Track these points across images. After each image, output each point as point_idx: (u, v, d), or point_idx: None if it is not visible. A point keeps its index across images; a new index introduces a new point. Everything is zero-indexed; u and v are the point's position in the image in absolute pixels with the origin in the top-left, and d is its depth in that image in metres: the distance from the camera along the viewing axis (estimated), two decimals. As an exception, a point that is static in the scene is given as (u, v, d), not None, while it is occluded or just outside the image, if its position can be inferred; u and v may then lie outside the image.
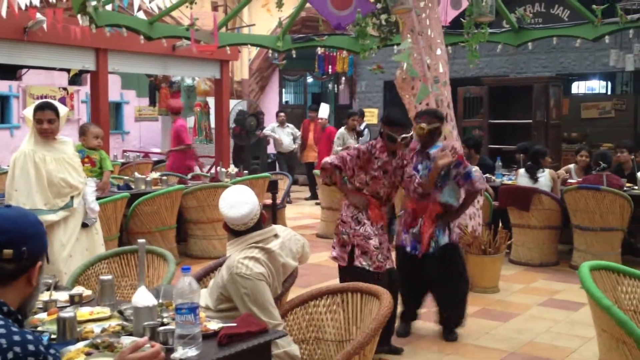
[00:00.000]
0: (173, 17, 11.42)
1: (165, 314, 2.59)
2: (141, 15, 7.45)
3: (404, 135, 4.23)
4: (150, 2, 7.07)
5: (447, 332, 4.71)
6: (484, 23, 6.42)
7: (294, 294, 3.24)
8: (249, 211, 2.88)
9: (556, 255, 7.01)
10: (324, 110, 11.78)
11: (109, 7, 6.54)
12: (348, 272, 4.23)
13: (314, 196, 12.12)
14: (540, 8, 11.64)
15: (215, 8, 12.49)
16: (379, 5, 5.76)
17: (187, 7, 6.81)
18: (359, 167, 4.29)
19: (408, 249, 4.61)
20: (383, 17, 5.82)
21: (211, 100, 11.45)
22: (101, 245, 4.83)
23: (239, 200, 2.89)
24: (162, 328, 2.33)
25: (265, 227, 2.97)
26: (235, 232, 2.92)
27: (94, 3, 5.56)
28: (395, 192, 4.54)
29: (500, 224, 7.28)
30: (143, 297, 2.43)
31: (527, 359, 4.34)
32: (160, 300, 2.72)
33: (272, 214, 8.56)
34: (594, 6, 7.15)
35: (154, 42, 7.94)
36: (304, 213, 10.81)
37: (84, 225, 4.66)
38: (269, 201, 8.55)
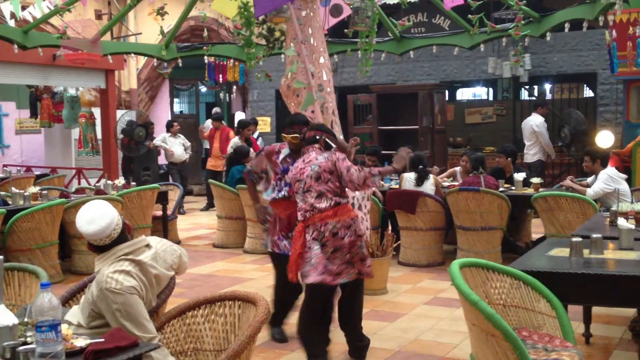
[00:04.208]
0: (54, 25, 10.99)
1: (29, 333, 2.47)
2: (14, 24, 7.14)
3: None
4: (22, 11, 6.76)
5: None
6: (363, 32, 6.60)
7: (174, 305, 3.17)
8: (109, 222, 2.80)
9: (441, 255, 7.26)
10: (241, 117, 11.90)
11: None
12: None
13: (211, 205, 11.90)
14: (422, 18, 12.09)
15: (99, 16, 12.10)
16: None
17: (59, 16, 6.57)
18: None
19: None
20: (267, 25, 5.85)
21: (97, 111, 11.09)
22: None
23: (95, 215, 2.80)
24: (22, 348, 2.23)
25: (133, 237, 2.90)
26: (101, 247, 2.84)
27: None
28: None
29: (390, 227, 7.49)
30: (2, 317, 2.30)
31: (412, 356, 4.46)
32: (26, 319, 2.60)
33: (162, 225, 8.40)
34: (470, 16, 7.49)
35: (33, 52, 7.63)
36: (198, 224, 10.65)
37: None
38: (159, 213, 8.38)
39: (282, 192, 4.67)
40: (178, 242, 8.43)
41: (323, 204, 4.13)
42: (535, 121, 10.30)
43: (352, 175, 4.08)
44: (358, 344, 4.39)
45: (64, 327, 2.33)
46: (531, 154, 10.45)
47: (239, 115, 12.05)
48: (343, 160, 4.18)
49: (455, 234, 7.15)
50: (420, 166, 7.22)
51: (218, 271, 7.23)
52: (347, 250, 4.13)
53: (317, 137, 4.33)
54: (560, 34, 8.56)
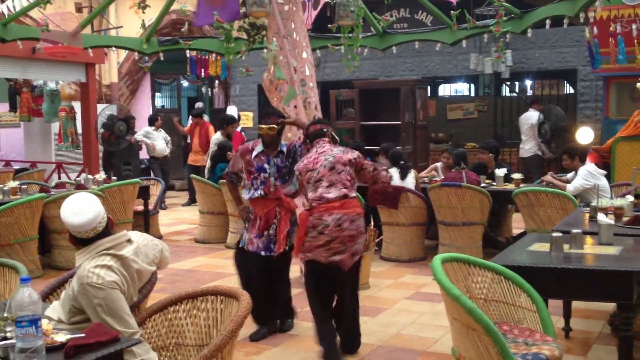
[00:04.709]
0: (34, 18, 10.86)
1: (9, 328, 2.44)
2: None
3: None
4: (1, 4, 6.68)
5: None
6: (346, 27, 6.60)
7: (155, 300, 3.16)
8: (95, 215, 2.78)
9: (423, 250, 7.29)
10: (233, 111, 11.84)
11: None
12: None
13: (193, 200, 11.81)
14: (405, 13, 12.11)
15: (79, 9, 11.96)
16: (242, 10, 5.75)
17: (39, 9, 6.49)
18: None
19: (262, 252, 4.66)
20: (248, 20, 5.82)
21: (77, 105, 10.98)
22: None
23: (82, 206, 2.78)
24: (2, 343, 2.21)
25: (115, 232, 2.88)
26: (84, 240, 2.81)
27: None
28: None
29: (372, 223, 7.51)
30: (-19, 312, 2.28)
31: (393, 351, 4.49)
32: (5, 314, 2.57)
33: (144, 220, 8.34)
34: (451, 12, 7.51)
35: (12, 45, 7.53)
36: (180, 219, 10.60)
37: None
38: (140, 207, 8.32)
39: (259, 191, 4.67)
40: (160, 237, 8.37)
41: (332, 194, 4.15)
42: (532, 117, 10.65)
43: (380, 173, 4.39)
44: (348, 338, 4.40)
45: (44, 322, 2.31)
46: (526, 149, 10.77)
47: (231, 110, 11.99)
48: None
49: (437, 229, 7.18)
50: (402, 161, 7.26)
51: (200, 266, 7.21)
52: (342, 241, 4.11)
53: (325, 130, 4.44)
54: (541, 30, 8.60)
